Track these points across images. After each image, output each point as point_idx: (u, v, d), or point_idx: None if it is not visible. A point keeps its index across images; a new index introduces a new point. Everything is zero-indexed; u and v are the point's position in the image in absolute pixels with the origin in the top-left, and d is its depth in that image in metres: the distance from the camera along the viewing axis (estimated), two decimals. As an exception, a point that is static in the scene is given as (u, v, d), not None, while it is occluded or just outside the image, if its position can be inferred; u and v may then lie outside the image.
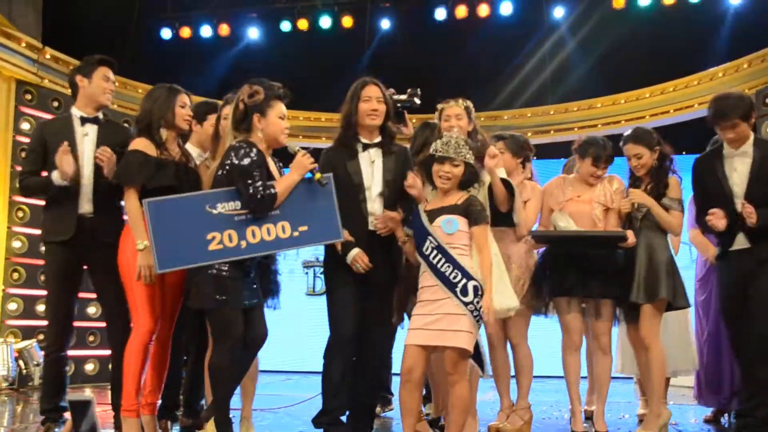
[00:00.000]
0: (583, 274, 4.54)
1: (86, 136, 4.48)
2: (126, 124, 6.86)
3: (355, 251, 4.13)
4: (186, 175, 4.16)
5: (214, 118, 4.53)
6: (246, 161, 3.79)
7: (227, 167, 3.84)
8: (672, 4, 9.45)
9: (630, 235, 4.43)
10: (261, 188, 3.78)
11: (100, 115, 4.56)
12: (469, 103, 4.59)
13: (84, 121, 4.52)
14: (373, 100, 4.23)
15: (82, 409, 3.70)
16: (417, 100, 4.97)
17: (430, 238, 3.81)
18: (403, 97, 4.84)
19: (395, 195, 4.23)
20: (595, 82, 10.33)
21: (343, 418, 4.34)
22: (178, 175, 4.13)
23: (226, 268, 3.79)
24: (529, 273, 4.67)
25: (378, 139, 4.31)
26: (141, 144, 4.13)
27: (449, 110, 4.56)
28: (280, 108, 4.00)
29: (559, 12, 10.04)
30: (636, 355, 4.84)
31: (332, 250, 4.28)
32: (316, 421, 4.32)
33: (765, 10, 9.05)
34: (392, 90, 4.71)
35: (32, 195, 5.33)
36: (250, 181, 3.77)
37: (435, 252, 3.79)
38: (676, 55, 9.74)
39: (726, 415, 5.53)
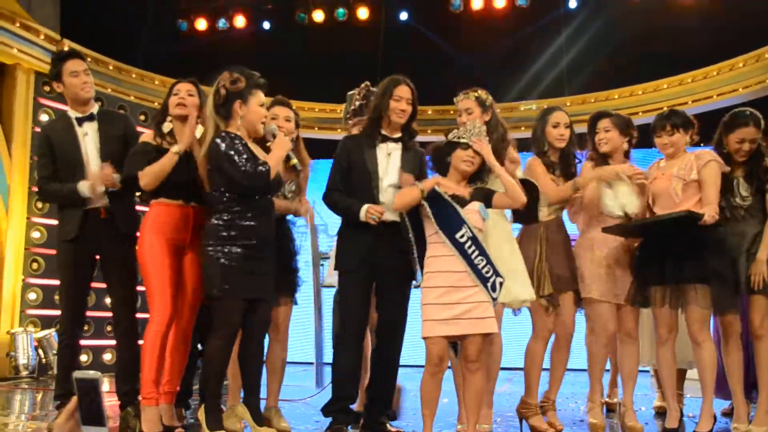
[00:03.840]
0: (668, 260, 4.31)
1: (86, 136, 4.48)
2: (121, 111, 6.86)
3: (365, 207, 4.15)
4: (187, 163, 4.12)
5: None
6: (230, 147, 3.81)
7: (214, 162, 3.86)
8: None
9: (708, 211, 4.15)
10: (251, 165, 3.79)
11: (95, 111, 4.55)
12: (482, 93, 4.48)
13: (80, 121, 4.52)
14: (403, 101, 4.29)
15: (87, 387, 3.70)
16: None
17: (465, 226, 3.76)
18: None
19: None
20: (611, 74, 10.26)
21: (353, 407, 4.39)
22: (179, 162, 4.11)
23: (236, 259, 3.81)
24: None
25: (398, 135, 4.35)
26: (147, 136, 4.27)
27: (460, 104, 4.53)
28: (260, 96, 4.02)
29: (573, 3, 9.96)
30: (725, 350, 4.50)
31: (342, 241, 4.38)
32: (326, 410, 4.34)
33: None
34: (367, 83, 4.82)
35: (54, 202, 5.35)
36: (238, 161, 3.78)
37: (470, 243, 3.75)
38: (693, 46, 9.66)
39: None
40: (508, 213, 4.45)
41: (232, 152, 3.80)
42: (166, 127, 4.24)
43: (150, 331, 4.04)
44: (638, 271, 4.45)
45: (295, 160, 4.09)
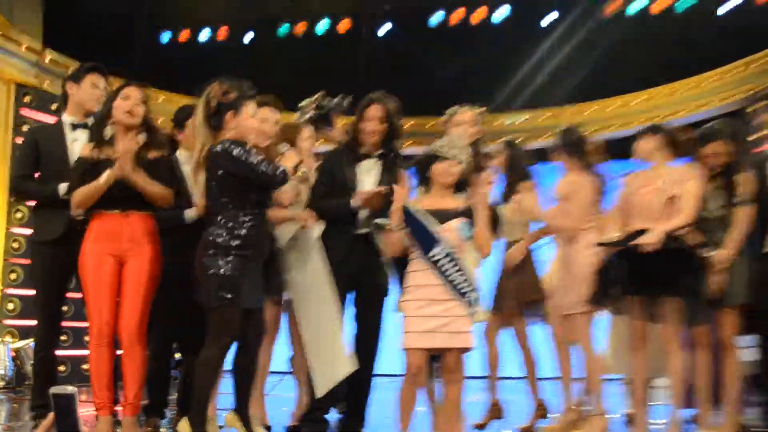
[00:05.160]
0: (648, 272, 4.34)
1: (76, 142, 4.46)
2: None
3: (354, 197, 4.18)
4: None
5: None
6: (243, 151, 3.77)
7: (221, 172, 3.80)
8: (658, 12, 9.51)
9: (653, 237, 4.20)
10: (270, 167, 3.77)
11: (90, 121, 4.54)
12: (482, 111, 4.59)
13: (75, 127, 4.51)
14: (374, 121, 4.30)
15: (63, 402, 3.70)
16: (345, 105, 4.94)
17: (441, 244, 3.75)
18: (332, 103, 4.80)
19: (384, 207, 4.15)
20: (588, 86, 10.38)
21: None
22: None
23: (232, 267, 3.77)
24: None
25: (380, 152, 4.36)
26: (85, 148, 4.14)
27: (461, 116, 4.57)
28: (252, 106, 3.97)
29: (551, 18, 10.06)
30: (697, 360, 4.53)
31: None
32: (302, 418, 4.36)
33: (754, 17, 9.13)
34: (321, 93, 4.76)
35: (29, 200, 5.29)
36: (256, 163, 3.74)
37: (445, 260, 3.74)
38: (664, 61, 9.81)
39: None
40: None
41: (247, 155, 3.76)
42: (107, 133, 4.14)
43: (90, 345, 4.03)
44: (614, 281, 4.46)
45: (304, 169, 4.05)
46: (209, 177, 3.86)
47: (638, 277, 4.36)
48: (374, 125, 4.28)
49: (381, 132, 4.30)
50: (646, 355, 4.51)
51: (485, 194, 4.11)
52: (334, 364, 4.20)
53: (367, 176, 4.33)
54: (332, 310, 4.24)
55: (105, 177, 3.96)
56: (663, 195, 4.38)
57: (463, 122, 4.54)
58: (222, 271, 3.75)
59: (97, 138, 4.16)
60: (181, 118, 4.58)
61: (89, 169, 4.05)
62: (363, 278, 4.28)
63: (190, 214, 4.26)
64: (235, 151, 3.76)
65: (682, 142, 4.56)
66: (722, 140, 4.52)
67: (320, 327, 4.25)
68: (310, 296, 4.29)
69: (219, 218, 3.82)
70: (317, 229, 4.24)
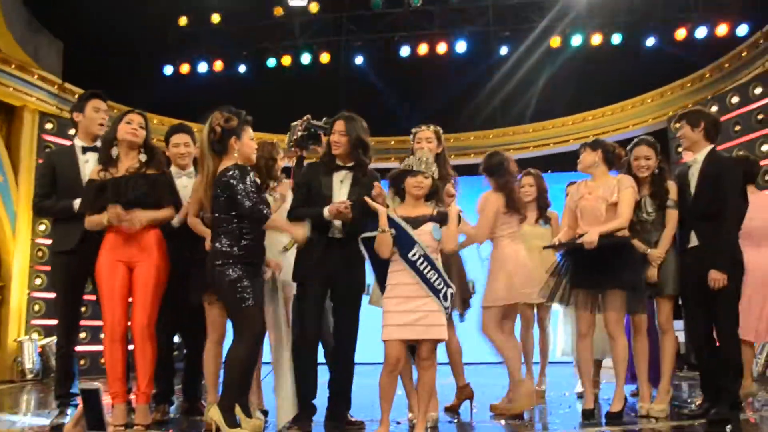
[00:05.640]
0: (590, 269, 4.40)
1: (87, 163, 4.48)
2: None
3: (327, 207, 4.14)
4: (131, 186, 4.08)
5: (178, 139, 4.64)
6: (247, 184, 3.79)
7: (228, 192, 3.80)
8: (598, 45, 9.63)
9: (590, 236, 4.27)
10: (259, 206, 3.80)
11: (98, 144, 4.53)
12: (439, 129, 4.65)
13: (85, 150, 4.53)
14: (336, 134, 4.32)
15: (90, 396, 3.68)
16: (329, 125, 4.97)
17: (417, 245, 3.76)
18: (320, 123, 4.82)
19: (356, 214, 4.17)
20: (538, 109, 10.49)
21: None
22: (116, 190, 4.07)
23: (242, 274, 3.77)
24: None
25: (351, 164, 4.35)
26: (93, 172, 4.20)
27: (421, 134, 4.61)
28: (250, 131, 4.02)
29: (504, 50, 10.13)
30: (636, 343, 4.61)
31: (297, 255, 4.29)
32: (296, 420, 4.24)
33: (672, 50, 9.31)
34: (308, 116, 4.79)
35: (47, 216, 5.25)
36: (251, 198, 3.77)
37: (422, 260, 3.74)
38: (604, 85, 9.94)
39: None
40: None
41: (248, 189, 3.78)
42: (114, 152, 4.17)
43: (104, 341, 4.03)
44: (565, 276, 4.53)
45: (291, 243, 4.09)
46: (216, 194, 3.87)
47: (584, 273, 4.43)
48: (337, 137, 4.30)
49: (344, 144, 4.30)
50: (591, 341, 4.58)
51: (453, 200, 4.23)
52: (288, 405, 4.17)
53: (340, 186, 4.32)
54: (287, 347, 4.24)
55: (105, 219, 4.01)
56: (604, 202, 4.45)
57: (423, 138, 4.58)
58: (235, 277, 3.76)
59: (104, 158, 4.17)
60: (167, 136, 4.70)
61: (99, 187, 4.07)
62: (338, 277, 4.25)
63: (175, 220, 4.29)
64: (240, 185, 3.78)
65: (618, 156, 4.64)
66: (646, 145, 4.64)
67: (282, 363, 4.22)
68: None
69: (224, 230, 3.83)
70: (303, 230, 4.18)
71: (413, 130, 4.69)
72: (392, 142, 10.37)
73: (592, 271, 4.38)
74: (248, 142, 3.99)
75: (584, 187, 4.63)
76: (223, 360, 3.97)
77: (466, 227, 4.62)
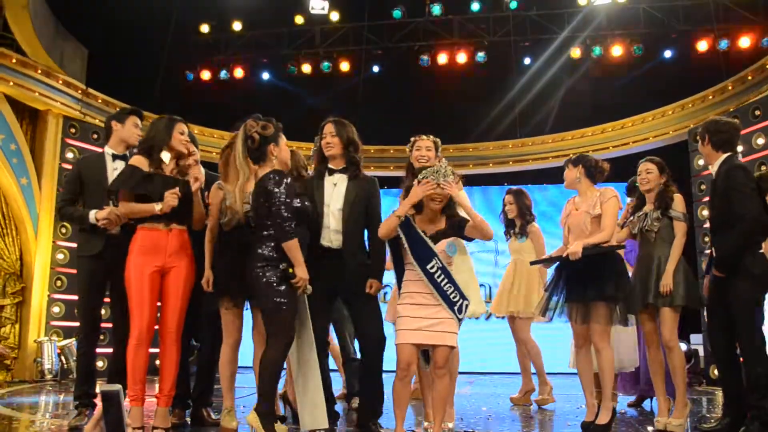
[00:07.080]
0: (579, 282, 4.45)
1: (115, 171, 4.53)
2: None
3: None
4: (169, 186, 4.11)
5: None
6: (288, 198, 3.80)
7: (268, 199, 3.81)
8: (619, 56, 9.60)
9: (575, 248, 4.33)
10: (290, 225, 3.78)
11: (128, 153, 4.62)
12: (437, 140, 4.67)
13: (115, 157, 4.63)
14: (327, 136, 4.40)
15: (110, 398, 3.70)
16: None
17: (436, 258, 3.78)
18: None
19: (356, 215, 4.27)
20: (557, 120, 10.46)
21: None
22: (165, 186, 4.10)
23: (280, 278, 3.79)
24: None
25: (343, 166, 4.41)
26: (135, 160, 4.18)
27: (420, 142, 4.63)
28: (284, 137, 4.08)
29: (527, 60, 10.13)
30: (650, 356, 4.62)
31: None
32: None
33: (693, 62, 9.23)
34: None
35: (67, 221, 5.32)
36: (286, 215, 3.77)
37: (440, 272, 3.77)
38: (624, 97, 9.90)
39: (648, 399, 5.76)
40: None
41: (287, 203, 3.78)
42: (166, 156, 4.21)
43: (130, 344, 4.03)
44: (562, 291, 4.54)
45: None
46: (258, 201, 3.88)
47: (571, 285, 4.48)
48: (329, 138, 4.38)
49: (337, 143, 4.36)
50: (588, 353, 4.58)
51: (464, 196, 4.20)
52: (316, 412, 4.06)
53: (336, 188, 4.37)
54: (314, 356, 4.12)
55: (159, 207, 4.05)
56: (588, 216, 4.51)
57: (423, 147, 4.59)
58: (273, 280, 3.78)
59: (156, 162, 4.17)
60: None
61: (146, 176, 4.09)
62: (341, 288, 4.31)
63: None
64: (283, 196, 3.78)
65: (601, 169, 4.68)
66: (648, 161, 4.71)
67: (308, 370, 4.12)
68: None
69: (265, 236, 3.85)
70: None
71: (412, 139, 4.72)
72: (392, 151, 10.39)
73: (578, 283, 4.43)
74: (285, 148, 4.06)
75: (572, 203, 4.73)
76: (238, 365, 3.96)
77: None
